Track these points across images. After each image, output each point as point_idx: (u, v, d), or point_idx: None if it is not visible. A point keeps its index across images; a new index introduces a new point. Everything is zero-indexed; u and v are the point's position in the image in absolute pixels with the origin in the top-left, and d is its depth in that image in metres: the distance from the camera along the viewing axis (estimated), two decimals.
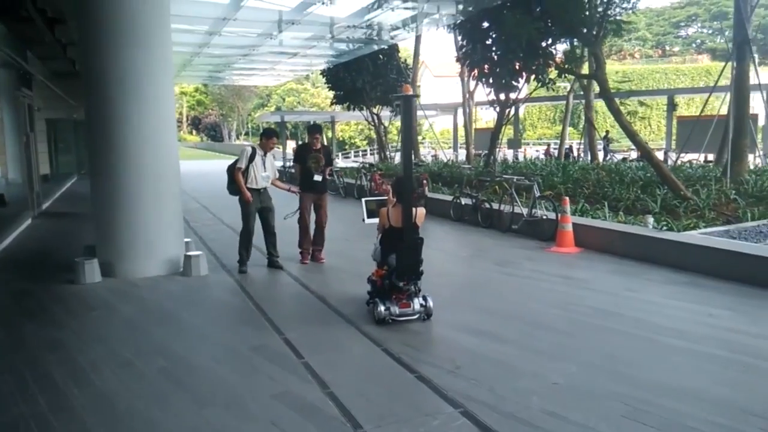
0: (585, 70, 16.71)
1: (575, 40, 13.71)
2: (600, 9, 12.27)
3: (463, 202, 11.67)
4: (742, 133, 12.82)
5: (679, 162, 17.48)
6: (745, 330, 5.17)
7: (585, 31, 12.29)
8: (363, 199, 6.47)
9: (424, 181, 12.71)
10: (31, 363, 4.75)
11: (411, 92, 5.51)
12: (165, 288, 7.04)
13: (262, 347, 4.98)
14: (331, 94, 26.39)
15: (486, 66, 15.86)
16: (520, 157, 25.99)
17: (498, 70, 15.74)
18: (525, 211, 9.96)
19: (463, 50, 16.61)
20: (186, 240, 8.26)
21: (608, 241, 8.52)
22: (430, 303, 5.60)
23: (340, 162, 24.32)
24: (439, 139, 30.36)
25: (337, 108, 27.91)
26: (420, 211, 5.71)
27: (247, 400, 3.97)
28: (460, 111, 31.20)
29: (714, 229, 8.43)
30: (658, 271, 7.32)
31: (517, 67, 15.22)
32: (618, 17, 12.58)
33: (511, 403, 3.81)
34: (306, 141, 8.57)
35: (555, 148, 31.39)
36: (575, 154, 27.80)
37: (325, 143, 8.58)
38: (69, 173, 23.58)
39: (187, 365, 4.64)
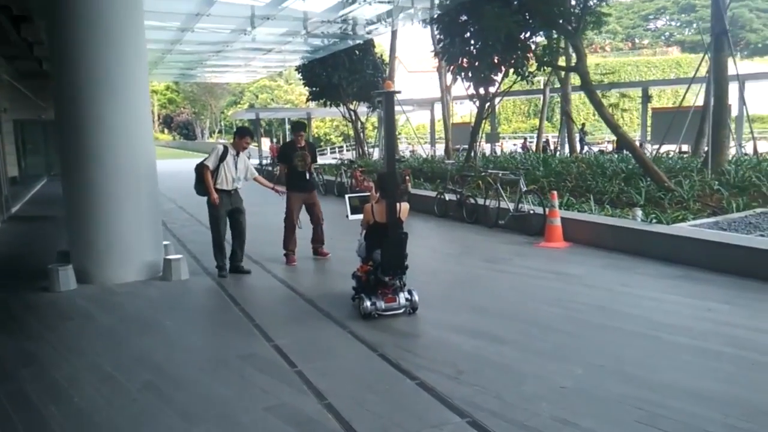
0: (562, 62, 16.70)
1: (554, 32, 13.62)
2: (580, 0, 12.22)
3: (447, 198, 11.50)
4: (722, 124, 12.84)
5: (656, 153, 17.55)
6: (746, 324, 5.06)
7: (564, 23, 12.21)
8: (346, 196, 6.55)
9: (407, 177, 12.52)
10: (2, 379, 4.44)
11: (393, 89, 5.54)
12: (145, 294, 6.74)
13: (251, 356, 4.73)
14: (305, 90, 26.08)
15: (464, 60, 15.74)
16: (498, 151, 25.97)
17: (477, 63, 15.62)
18: (511, 206, 9.82)
19: (441, 44, 16.46)
20: (165, 243, 7.95)
21: (597, 235, 8.42)
22: (416, 297, 5.61)
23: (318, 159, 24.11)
24: (417, 135, 30.13)
25: (312, 104, 27.66)
26: (404, 206, 5.75)
27: (240, 415, 3.73)
28: (437, 106, 31.16)
29: (703, 221, 8.37)
30: (649, 264, 7.22)
31: (496, 61, 15.12)
32: (597, 8, 12.53)
33: (519, 411, 3.63)
34: (290, 139, 8.34)
35: (531, 142, 31.51)
36: (552, 147, 27.86)
37: (310, 140, 8.36)
38: (38, 175, 22.92)
39: (172, 378, 4.38)
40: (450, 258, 8.27)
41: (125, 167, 7.13)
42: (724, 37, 12.80)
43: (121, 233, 7.18)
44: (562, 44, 14.55)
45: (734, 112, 21.90)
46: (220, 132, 70.50)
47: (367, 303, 5.50)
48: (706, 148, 17.96)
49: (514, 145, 31.51)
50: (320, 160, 24.08)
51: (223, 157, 7.23)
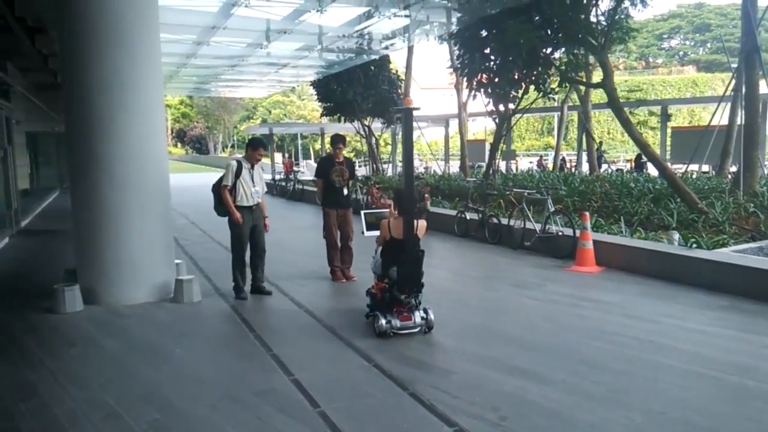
0: (584, 79, 16.29)
1: (580, 48, 13.24)
2: (606, 15, 11.84)
3: (468, 217, 11.07)
4: (754, 143, 12.38)
5: (683, 174, 17.06)
6: None
7: (590, 38, 11.83)
8: (362, 212, 6.57)
9: (426, 195, 12.11)
10: None
11: (412, 105, 5.49)
12: (154, 317, 6.33)
13: (268, 392, 4.30)
14: (318, 106, 25.83)
15: (484, 75, 15.38)
16: (513, 169, 25.54)
17: (497, 79, 15.26)
18: (538, 226, 9.37)
19: (460, 60, 16.12)
20: (176, 261, 7.57)
21: (631, 259, 7.95)
22: (431, 315, 5.53)
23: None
24: (432, 151, 29.79)
25: (324, 120, 27.39)
26: (421, 224, 5.69)
27: None
28: (451, 122, 30.84)
29: (745, 246, 7.89)
30: (690, 292, 6.74)
31: (517, 77, 14.75)
32: (624, 23, 12.16)
33: None
34: (328, 153, 8.06)
35: (546, 160, 31.08)
36: (568, 165, 27.39)
37: (346, 156, 8.07)
38: (51, 187, 22.75)
39: (182, 416, 3.96)
40: (476, 282, 7.82)
41: (137, 181, 6.77)
42: (756, 54, 12.37)
43: (130, 251, 6.80)
44: (586, 60, 14.15)
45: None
46: (233, 146, 70.56)
47: (383, 321, 5.42)
48: (732, 169, 17.53)
49: (531, 162, 31.06)
50: None
51: (238, 173, 6.86)
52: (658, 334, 5.37)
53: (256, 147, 7.04)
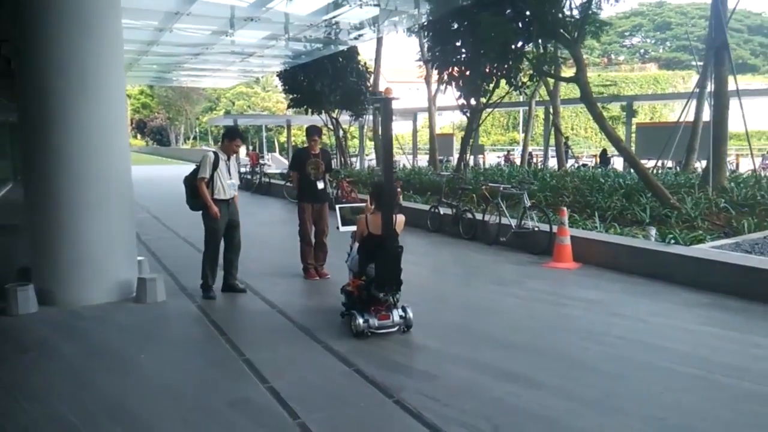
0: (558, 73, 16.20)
1: (553, 41, 13.13)
2: (580, 8, 11.74)
3: (441, 212, 10.85)
4: (722, 139, 12.47)
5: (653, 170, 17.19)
6: None
7: (564, 32, 11.73)
8: (337, 206, 6.25)
9: (398, 189, 11.84)
10: None
11: (392, 95, 5.28)
12: (116, 320, 5.93)
13: (243, 402, 3.99)
14: (283, 98, 25.37)
15: (455, 68, 15.19)
16: (480, 164, 25.50)
17: (468, 72, 15.10)
18: (513, 222, 9.20)
19: (431, 52, 15.90)
20: (138, 258, 7.16)
21: (609, 255, 7.84)
22: (410, 314, 5.32)
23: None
24: (400, 145, 29.56)
25: (289, 111, 26.95)
26: (399, 218, 5.49)
27: None
28: (419, 116, 30.66)
29: (722, 242, 7.85)
30: (672, 289, 6.65)
31: (488, 70, 14.60)
32: (597, 17, 12.07)
33: None
34: (303, 145, 7.73)
35: (512, 154, 31.14)
36: (535, 160, 27.50)
37: (322, 148, 7.72)
38: (4, 179, 21.75)
39: None
40: (455, 279, 7.59)
41: (97, 173, 6.34)
42: (725, 50, 12.44)
43: (90, 248, 6.37)
44: (564, 54, 14.07)
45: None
46: (195, 138, 69.17)
47: (360, 320, 5.19)
48: (697, 165, 17.72)
49: (498, 157, 31.12)
50: None
51: (215, 165, 6.50)
52: (646, 333, 5.22)
53: (232, 137, 6.69)
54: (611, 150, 23.25)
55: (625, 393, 4.03)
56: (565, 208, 8.19)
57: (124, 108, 6.74)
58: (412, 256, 8.61)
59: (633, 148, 24.59)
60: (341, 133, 23.88)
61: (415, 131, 30.20)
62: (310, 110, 22.92)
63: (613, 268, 7.67)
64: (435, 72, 17.02)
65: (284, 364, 4.70)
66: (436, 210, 10.96)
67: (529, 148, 32.23)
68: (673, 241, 7.59)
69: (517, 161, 28.62)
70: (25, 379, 4.50)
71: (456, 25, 14.81)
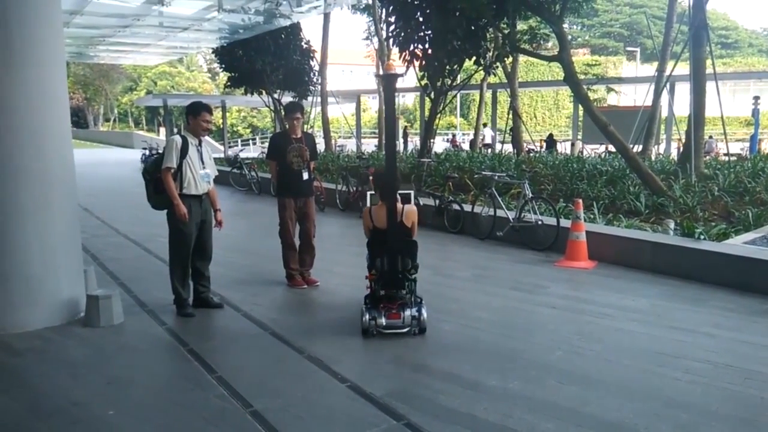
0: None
1: (527, 17, 12.33)
2: None
3: (421, 203, 9.80)
4: (701, 124, 12.03)
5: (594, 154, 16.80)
6: None
7: (547, 5, 10.90)
8: (368, 193, 5.41)
9: (372, 177, 10.68)
10: None
11: (394, 71, 4.86)
12: (62, 353, 4.57)
13: None
14: (209, 78, 23.63)
15: (419, 47, 14.11)
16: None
17: (430, 51, 14.06)
18: (511, 214, 8.29)
19: (389, 28, 14.71)
20: (83, 268, 5.75)
21: (628, 252, 7.05)
22: (424, 315, 4.82)
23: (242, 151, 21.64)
24: (351, 128, 28.30)
25: (216, 92, 25.20)
26: (408, 209, 5.00)
27: None
28: (364, 98, 29.49)
29: (752, 236, 7.20)
30: (714, 293, 5.90)
31: (456, 48, 13.59)
32: None
33: None
34: (284, 128, 6.46)
35: (462, 141, 30.56)
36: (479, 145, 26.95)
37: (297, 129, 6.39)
38: None
39: None
40: (465, 284, 6.54)
41: (32, 168, 4.91)
42: (704, 31, 11.96)
43: (24, 260, 4.95)
44: (546, 30, 13.28)
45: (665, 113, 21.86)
46: (114, 120, 65.11)
47: (367, 317, 4.78)
48: (655, 149, 17.50)
49: (446, 141, 30.40)
50: (245, 154, 21.79)
51: (184, 152, 5.18)
52: (729, 354, 4.38)
53: (198, 111, 5.33)
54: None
55: None
56: (580, 200, 7.32)
57: (64, 82, 5.28)
58: None
59: (580, 134, 24.63)
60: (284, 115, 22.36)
61: (359, 114, 28.98)
62: (250, 91, 21.33)
63: (633, 266, 6.89)
64: (393, 51, 15.93)
65: (305, 414, 3.54)
66: (416, 201, 9.89)
67: (470, 133, 31.82)
68: (702, 237, 6.86)
69: (464, 146, 28.06)
70: None
71: None
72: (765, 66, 50.34)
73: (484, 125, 25.01)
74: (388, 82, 4.91)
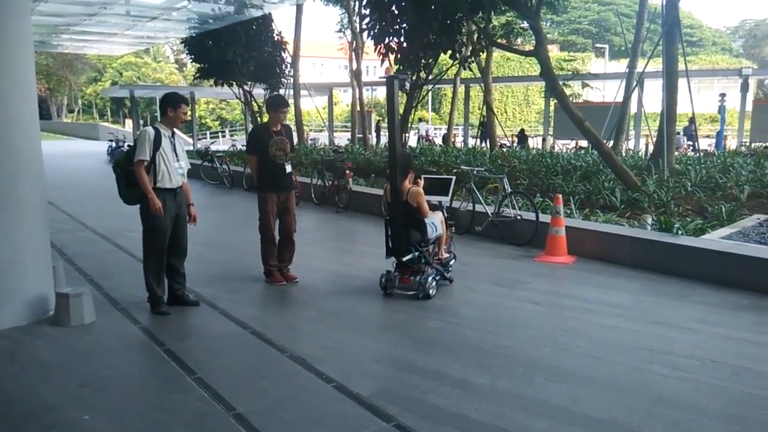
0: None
1: (504, 11, 12.29)
2: None
3: None
4: (673, 120, 12.17)
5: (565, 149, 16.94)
6: None
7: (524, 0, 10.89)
8: (423, 176, 6.25)
9: (348, 171, 10.57)
10: None
11: (392, 72, 5.96)
12: (29, 352, 4.36)
13: None
14: (176, 69, 23.16)
15: (394, 40, 13.98)
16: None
17: (405, 44, 13.95)
18: (489, 209, 8.25)
19: (367, 21, 14.54)
20: (52, 264, 5.51)
21: (607, 247, 7.06)
22: (428, 283, 5.55)
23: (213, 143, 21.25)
24: (324, 121, 28.01)
25: (183, 83, 24.72)
26: (413, 191, 5.75)
27: None
28: (335, 91, 29.24)
29: (729, 231, 7.26)
30: (695, 288, 5.93)
31: (431, 41, 13.51)
32: None
33: None
34: (265, 120, 6.29)
35: (434, 135, 30.53)
36: (452, 139, 27.00)
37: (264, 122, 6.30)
38: None
39: None
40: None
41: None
42: (676, 28, 12.09)
43: None
44: (523, 25, 13.26)
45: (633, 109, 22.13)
46: (78, 112, 63.54)
47: (384, 278, 5.69)
48: (625, 145, 17.68)
49: (416, 135, 30.32)
50: (215, 147, 21.39)
51: (157, 144, 4.98)
52: (715, 350, 4.38)
53: (176, 103, 5.14)
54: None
55: None
56: (560, 195, 7.30)
57: (32, 66, 5.04)
58: (373, 249, 7.57)
59: (551, 129, 24.84)
60: (255, 108, 22.02)
61: (331, 107, 28.74)
62: (220, 82, 20.91)
63: (612, 261, 6.90)
64: (366, 44, 15.77)
65: (291, 417, 3.41)
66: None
67: (438, 127, 31.83)
68: (680, 232, 6.90)
69: (437, 140, 28.08)
70: None
71: None
72: (728, 64, 51.35)
73: (420, 120, 25.07)
74: (390, 84, 5.58)
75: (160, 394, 3.76)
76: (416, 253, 5.66)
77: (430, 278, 5.55)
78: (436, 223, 5.89)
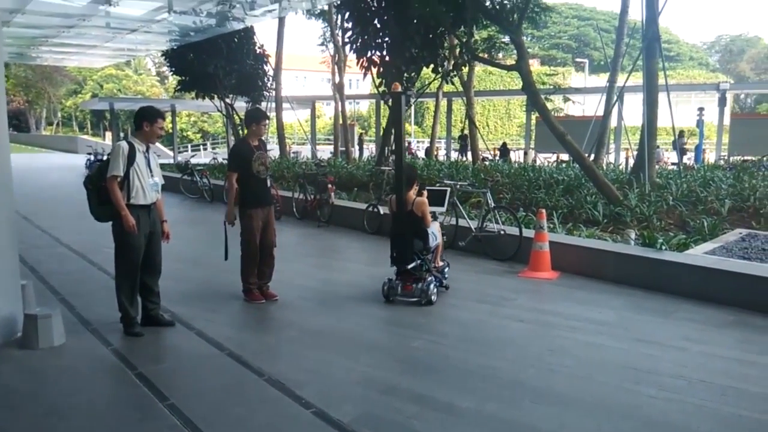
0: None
1: (485, 26, 12.31)
2: None
3: (381, 211, 9.57)
4: (653, 134, 12.22)
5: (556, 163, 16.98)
6: None
7: (505, 14, 10.90)
8: (426, 187, 6.84)
9: (330, 185, 10.44)
10: None
11: (399, 89, 5.95)
12: None
13: None
14: (158, 81, 22.96)
15: (377, 53, 13.97)
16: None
17: (387, 58, 13.94)
18: (473, 224, 8.17)
19: (349, 35, 14.51)
20: (21, 282, 5.30)
21: (590, 262, 7.00)
22: (431, 290, 5.74)
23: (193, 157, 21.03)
24: (306, 134, 27.88)
25: (165, 95, 24.52)
26: (418, 201, 5.95)
27: None
28: (318, 104, 29.16)
29: (712, 246, 7.24)
30: (679, 304, 5.87)
31: (413, 55, 13.50)
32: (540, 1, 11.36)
33: None
34: (244, 136, 6.14)
35: (417, 148, 30.55)
36: (435, 153, 27.03)
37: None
38: None
39: None
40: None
41: None
42: (656, 43, 12.18)
43: None
44: (505, 39, 13.30)
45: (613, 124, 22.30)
46: (58, 124, 62.82)
47: (386, 286, 5.87)
48: (606, 159, 17.74)
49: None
50: (196, 160, 21.14)
51: (131, 159, 4.83)
52: (702, 369, 4.31)
53: (153, 118, 5.00)
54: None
55: None
56: (543, 210, 7.24)
57: (2, 83, 4.86)
58: (356, 265, 7.43)
59: (532, 143, 24.95)
60: (236, 121, 21.85)
61: (313, 120, 28.64)
62: (202, 95, 20.73)
63: (596, 277, 6.84)
64: (349, 57, 15.73)
65: None
66: (375, 209, 9.68)
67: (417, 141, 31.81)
68: (663, 248, 6.86)
69: (419, 153, 28.05)
70: None
71: (376, 4, 13.58)
72: (705, 78, 52.13)
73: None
74: (396, 100, 6.00)
75: (129, 423, 3.58)
76: (419, 261, 5.87)
77: (431, 285, 5.75)
78: (435, 232, 6.21)
